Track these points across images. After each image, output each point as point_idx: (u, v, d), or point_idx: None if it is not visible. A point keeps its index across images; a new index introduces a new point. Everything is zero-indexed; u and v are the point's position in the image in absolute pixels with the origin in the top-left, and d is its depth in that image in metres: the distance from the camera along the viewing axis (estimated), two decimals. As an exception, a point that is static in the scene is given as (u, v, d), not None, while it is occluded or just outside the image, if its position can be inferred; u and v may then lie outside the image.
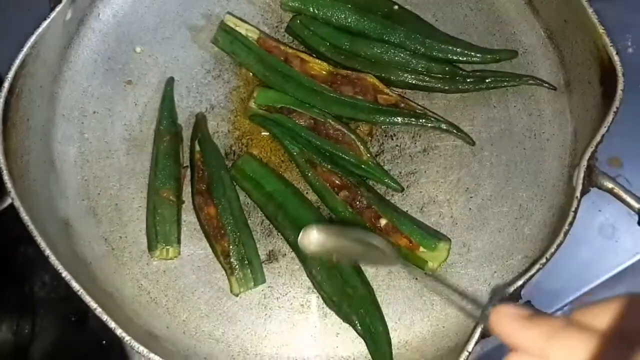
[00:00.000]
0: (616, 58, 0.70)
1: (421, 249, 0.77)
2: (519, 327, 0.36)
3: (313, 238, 0.66)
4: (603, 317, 0.35)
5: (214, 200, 0.78)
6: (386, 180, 0.81)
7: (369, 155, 0.81)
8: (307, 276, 0.78)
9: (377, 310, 0.76)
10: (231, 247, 0.77)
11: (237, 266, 0.76)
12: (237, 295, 0.77)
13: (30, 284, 0.88)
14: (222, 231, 0.77)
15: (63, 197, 0.79)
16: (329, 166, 0.80)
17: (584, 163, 0.68)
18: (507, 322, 0.37)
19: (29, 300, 0.88)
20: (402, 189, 0.81)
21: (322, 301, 0.78)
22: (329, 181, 0.80)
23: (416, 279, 0.78)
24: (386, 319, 0.77)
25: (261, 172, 0.80)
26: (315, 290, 0.78)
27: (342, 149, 0.81)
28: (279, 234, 0.80)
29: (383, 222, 0.78)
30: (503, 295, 0.66)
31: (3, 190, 0.69)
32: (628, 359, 0.34)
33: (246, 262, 0.77)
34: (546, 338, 0.35)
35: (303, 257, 0.77)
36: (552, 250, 0.67)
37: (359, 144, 0.81)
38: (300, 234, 0.66)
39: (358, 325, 0.75)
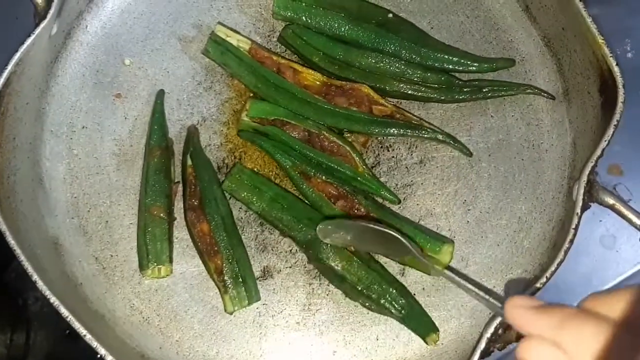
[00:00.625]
0: (616, 69, 0.68)
1: (425, 253, 0.76)
2: (533, 316, 0.37)
3: (332, 229, 0.73)
4: (614, 306, 0.37)
5: (206, 217, 0.77)
6: (383, 192, 0.79)
7: (364, 167, 0.79)
8: (323, 274, 0.77)
9: (404, 287, 0.77)
10: (224, 264, 0.75)
11: (230, 284, 0.75)
12: (231, 314, 0.76)
13: (24, 298, 0.87)
14: (215, 248, 0.76)
15: (52, 216, 0.77)
16: (324, 177, 0.78)
17: (584, 178, 0.66)
18: (521, 312, 0.38)
19: (22, 314, 0.87)
20: (399, 201, 0.80)
21: (319, 318, 0.77)
22: (324, 192, 0.79)
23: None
24: (383, 336, 0.76)
25: (258, 179, 0.79)
26: (312, 309, 0.77)
27: (338, 161, 0.79)
28: (274, 249, 0.79)
29: None
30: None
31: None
32: (638, 348, 0.34)
33: (240, 279, 0.75)
34: (559, 325, 0.36)
35: (317, 253, 0.76)
36: (553, 269, 0.66)
37: (354, 155, 0.79)
38: (319, 226, 0.73)
39: (394, 306, 0.75)
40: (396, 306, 0.75)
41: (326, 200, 0.78)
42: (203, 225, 0.77)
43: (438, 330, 0.76)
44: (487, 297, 0.53)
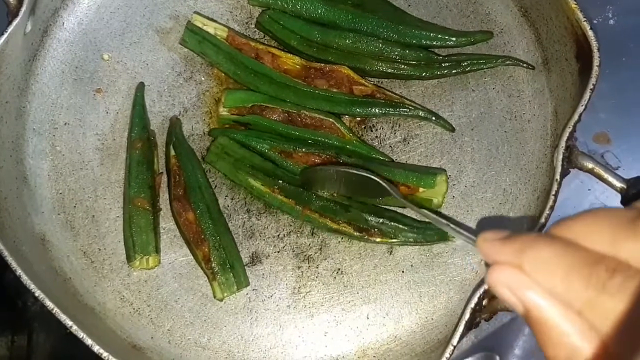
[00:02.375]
0: (590, 33, 0.68)
1: (421, 189, 0.77)
2: (498, 245, 0.39)
3: (313, 174, 0.76)
4: (576, 228, 0.38)
5: (191, 205, 0.77)
6: (373, 155, 0.80)
7: (351, 134, 0.80)
8: (325, 211, 0.78)
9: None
10: (211, 252, 0.75)
11: (218, 271, 0.75)
12: (221, 301, 0.76)
13: (23, 300, 0.88)
14: (202, 236, 0.76)
15: (38, 213, 0.78)
16: (304, 149, 0.79)
17: (563, 144, 0.66)
18: (489, 243, 0.40)
19: (23, 315, 0.88)
20: (392, 161, 0.80)
21: (309, 300, 0.77)
22: (308, 162, 0.79)
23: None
24: (373, 314, 0.77)
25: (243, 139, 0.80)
26: (302, 291, 0.77)
27: (324, 134, 0.79)
28: (261, 235, 0.79)
29: None
30: (487, 287, 0.64)
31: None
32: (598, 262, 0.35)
33: (228, 266, 0.75)
34: (520, 249, 0.37)
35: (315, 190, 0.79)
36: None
37: (338, 125, 0.80)
38: (300, 173, 0.75)
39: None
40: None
41: None
42: (189, 214, 0.77)
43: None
44: (463, 232, 0.54)
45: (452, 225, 0.59)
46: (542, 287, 0.37)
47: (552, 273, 0.36)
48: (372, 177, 0.73)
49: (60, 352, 0.88)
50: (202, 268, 0.77)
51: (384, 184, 0.73)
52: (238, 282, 0.75)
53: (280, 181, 0.78)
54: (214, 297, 0.76)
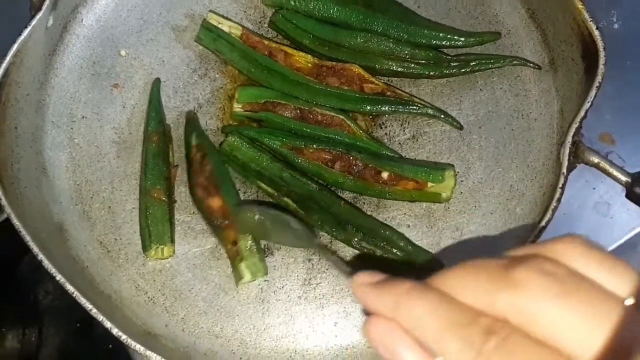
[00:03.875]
0: (596, 33, 0.70)
1: (429, 184, 0.79)
2: (372, 294, 0.37)
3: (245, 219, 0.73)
4: (450, 282, 0.36)
5: (219, 192, 0.78)
6: (383, 152, 0.82)
7: (361, 131, 0.81)
8: (323, 225, 0.79)
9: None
10: (240, 235, 0.76)
11: (247, 254, 0.76)
12: (245, 283, 0.78)
13: (35, 293, 0.89)
14: (228, 221, 0.77)
15: (56, 203, 0.79)
16: (315, 145, 0.80)
17: (569, 139, 0.68)
18: (362, 289, 0.38)
19: (34, 308, 0.89)
20: (401, 157, 0.82)
21: (320, 291, 0.79)
22: (319, 159, 0.81)
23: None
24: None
25: (255, 146, 0.81)
26: (312, 283, 0.79)
27: (335, 131, 0.81)
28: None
29: (385, 175, 0.79)
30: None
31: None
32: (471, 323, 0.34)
33: (255, 250, 0.77)
34: (394, 303, 0.36)
35: (316, 204, 0.79)
36: (542, 226, 0.67)
37: (349, 122, 0.81)
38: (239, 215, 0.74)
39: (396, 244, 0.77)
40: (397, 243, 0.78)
41: (323, 166, 0.80)
42: (214, 200, 0.78)
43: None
44: (342, 266, 0.52)
45: (332, 257, 0.58)
46: (416, 347, 0.35)
47: (425, 332, 0.35)
48: (299, 227, 0.69)
49: (70, 346, 0.90)
50: (227, 252, 0.78)
51: (309, 234, 0.69)
52: (264, 267, 0.77)
53: (285, 187, 0.79)
54: (239, 280, 0.77)
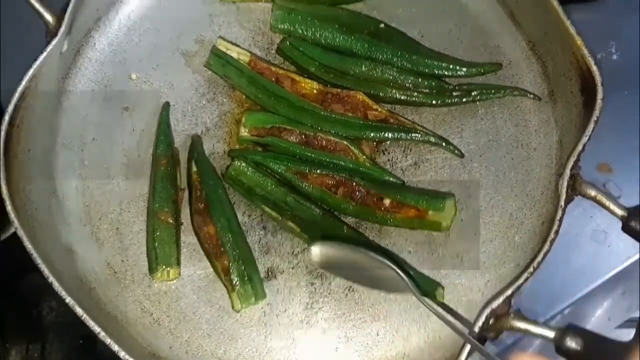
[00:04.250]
0: (594, 68, 0.72)
1: (430, 212, 0.80)
2: None
3: (318, 253, 0.73)
4: None
5: (212, 219, 0.80)
6: (386, 178, 0.83)
7: (364, 157, 0.83)
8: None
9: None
10: (231, 264, 0.78)
11: (237, 282, 0.78)
12: (238, 312, 0.79)
13: (39, 309, 0.90)
14: (222, 249, 0.79)
15: (65, 224, 0.81)
16: (319, 170, 0.82)
17: (567, 172, 0.70)
18: None
19: (37, 324, 0.90)
20: (403, 183, 0.83)
21: (322, 316, 0.80)
22: (323, 184, 0.82)
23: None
24: (383, 332, 0.79)
25: (260, 172, 0.82)
26: (314, 307, 0.80)
27: (339, 156, 0.83)
28: (277, 251, 0.82)
29: (387, 201, 0.81)
30: (493, 307, 0.67)
31: (7, 219, 0.71)
32: None
33: (246, 278, 0.78)
34: None
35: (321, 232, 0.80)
36: (539, 259, 0.69)
37: (353, 148, 0.83)
38: (311, 249, 0.73)
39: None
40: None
41: (327, 192, 0.82)
42: (209, 228, 0.80)
43: (442, 286, 0.79)
44: (456, 323, 0.54)
45: (446, 316, 0.60)
46: None
47: None
48: (393, 267, 0.69)
49: (74, 362, 0.90)
50: (221, 280, 0.80)
51: (402, 275, 0.69)
52: (256, 294, 0.78)
53: (289, 211, 0.81)
54: (232, 308, 0.79)
